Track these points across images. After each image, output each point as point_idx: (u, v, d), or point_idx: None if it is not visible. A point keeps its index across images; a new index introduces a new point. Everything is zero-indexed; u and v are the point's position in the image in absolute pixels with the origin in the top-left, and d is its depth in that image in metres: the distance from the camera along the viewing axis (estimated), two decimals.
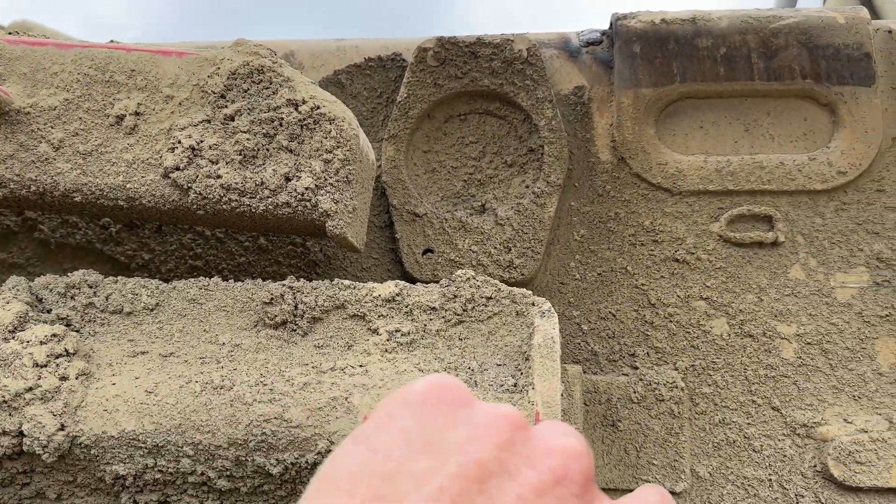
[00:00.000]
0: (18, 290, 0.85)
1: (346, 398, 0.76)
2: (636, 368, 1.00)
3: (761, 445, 0.97)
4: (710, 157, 1.03)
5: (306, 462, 0.76)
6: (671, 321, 1.01)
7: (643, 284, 1.03)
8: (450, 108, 1.07)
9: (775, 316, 0.99)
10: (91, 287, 0.87)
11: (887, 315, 0.97)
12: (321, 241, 1.07)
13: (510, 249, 1.02)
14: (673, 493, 0.96)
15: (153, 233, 1.05)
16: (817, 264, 1.00)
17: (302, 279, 0.86)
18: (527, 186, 1.05)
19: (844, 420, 0.96)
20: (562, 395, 0.75)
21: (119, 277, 0.87)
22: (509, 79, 1.03)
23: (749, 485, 0.96)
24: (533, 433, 0.42)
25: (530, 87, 1.03)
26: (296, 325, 0.85)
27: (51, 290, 0.86)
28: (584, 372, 1.01)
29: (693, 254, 1.02)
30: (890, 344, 0.97)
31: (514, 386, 0.78)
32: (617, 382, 0.98)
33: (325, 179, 0.81)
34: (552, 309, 0.80)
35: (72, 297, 0.86)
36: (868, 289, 0.98)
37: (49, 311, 0.85)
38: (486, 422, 0.41)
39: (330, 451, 0.74)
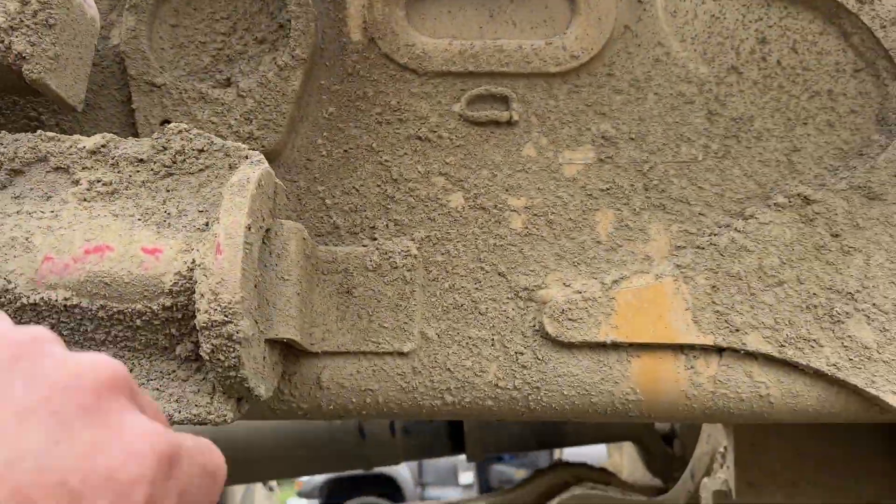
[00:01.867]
0: None
1: (27, 238, 0.73)
2: (375, 240, 1.03)
3: (486, 308, 1.02)
4: (455, 40, 1.06)
5: None
6: (411, 195, 1.04)
7: (387, 161, 1.05)
8: None
9: (507, 190, 1.04)
10: None
11: (608, 189, 1.04)
12: (57, 115, 1.03)
13: (251, 121, 1.01)
14: (401, 353, 0.99)
15: None
16: (548, 143, 1.05)
17: (3, 131, 0.82)
18: (274, 62, 1.04)
19: (564, 284, 1.02)
20: (250, 229, 0.75)
21: None
22: None
23: (473, 344, 1.01)
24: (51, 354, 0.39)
25: None
26: None
27: None
28: (326, 244, 1.02)
29: (435, 132, 1.05)
30: (609, 215, 1.04)
31: (206, 225, 0.77)
32: (355, 253, 1.00)
33: (21, 20, 0.77)
34: (263, 160, 0.80)
35: None
36: (593, 165, 1.05)
37: None
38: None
39: (7, 289, 0.72)
